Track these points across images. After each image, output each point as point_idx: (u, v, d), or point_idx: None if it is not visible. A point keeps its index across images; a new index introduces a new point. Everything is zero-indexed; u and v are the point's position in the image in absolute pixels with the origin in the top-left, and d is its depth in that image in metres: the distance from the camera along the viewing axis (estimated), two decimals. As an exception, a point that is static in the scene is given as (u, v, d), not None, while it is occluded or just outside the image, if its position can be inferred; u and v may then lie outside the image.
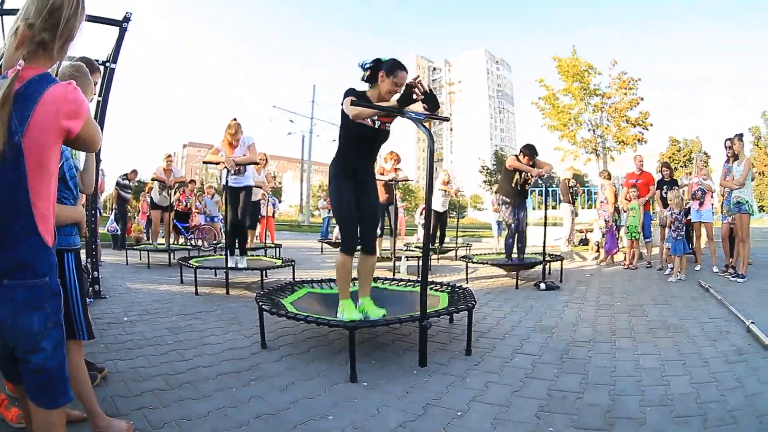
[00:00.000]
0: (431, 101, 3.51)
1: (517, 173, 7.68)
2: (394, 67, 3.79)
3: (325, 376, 3.26)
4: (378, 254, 9.00)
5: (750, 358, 3.79)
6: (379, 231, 8.92)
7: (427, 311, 3.43)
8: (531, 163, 7.50)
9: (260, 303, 3.93)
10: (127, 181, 12.54)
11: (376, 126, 3.85)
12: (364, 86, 3.94)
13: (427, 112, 3.50)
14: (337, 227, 10.91)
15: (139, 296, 6.04)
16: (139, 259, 9.84)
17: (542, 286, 6.93)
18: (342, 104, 3.67)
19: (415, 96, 3.41)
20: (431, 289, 4.82)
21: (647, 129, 29.20)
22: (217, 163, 6.71)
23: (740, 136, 8.12)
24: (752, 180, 8.33)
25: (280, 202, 24.27)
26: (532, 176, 7.53)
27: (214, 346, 3.94)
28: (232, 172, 6.67)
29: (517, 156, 7.84)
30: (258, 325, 3.99)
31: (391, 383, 3.14)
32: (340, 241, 4.04)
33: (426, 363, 3.42)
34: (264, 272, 6.73)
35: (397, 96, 3.63)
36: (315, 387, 3.07)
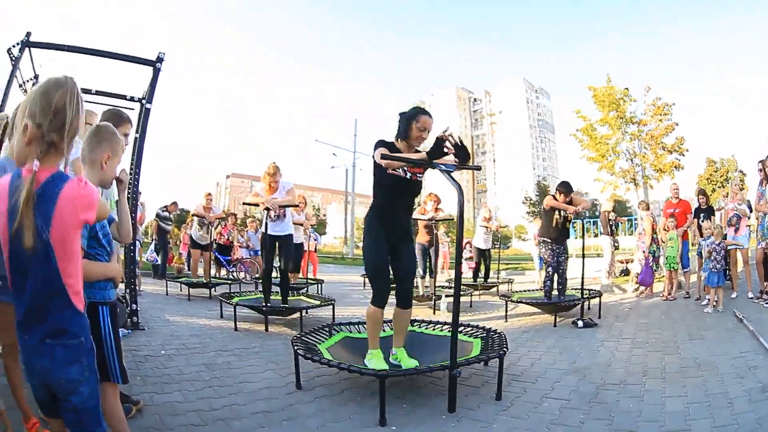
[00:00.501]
0: (461, 152, 3.52)
1: (556, 212, 7.63)
2: (417, 113, 3.94)
3: (355, 419, 3.33)
4: (421, 291, 9.16)
5: (773, 396, 3.80)
6: (421, 271, 9.10)
7: (458, 360, 3.46)
8: (568, 200, 7.50)
9: (296, 347, 3.99)
10: (167, 213, 12.85)
11: (408, 176, 3.95)
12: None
13: (457, 163, 3.55)
14: None
15: (178, 329, 6.21)
16: (180, 291, 10.03)
17: (580, 323, 6.89)
18: (373, 156, 3.81)
19: (446, 150, 3.48)
20: (465, 334, 4.90)
21: (683, 155, 28.84)
22: (257, 205, 6.96)
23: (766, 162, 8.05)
24: None
25: (323, 235, 24.53)
26: (570, 214, 7.54)
27: (250, 384, 4.02)
28: (273, 216, 6.84)
29: (554, 195, 7.86)
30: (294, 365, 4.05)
31: (419, 428, 3.20)
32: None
33: (455, 408, 3.43)
34: (303, 311, 6.71)
35: (427, 147, 3.70)
36: (344, 429, 3.16)
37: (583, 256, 7.50)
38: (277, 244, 7.08)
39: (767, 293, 7.87)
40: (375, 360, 3.93)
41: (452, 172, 3.50)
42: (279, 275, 7.37)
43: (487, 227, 11.68)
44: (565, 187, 7.63)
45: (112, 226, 2.44)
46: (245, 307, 6.96)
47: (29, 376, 1.79)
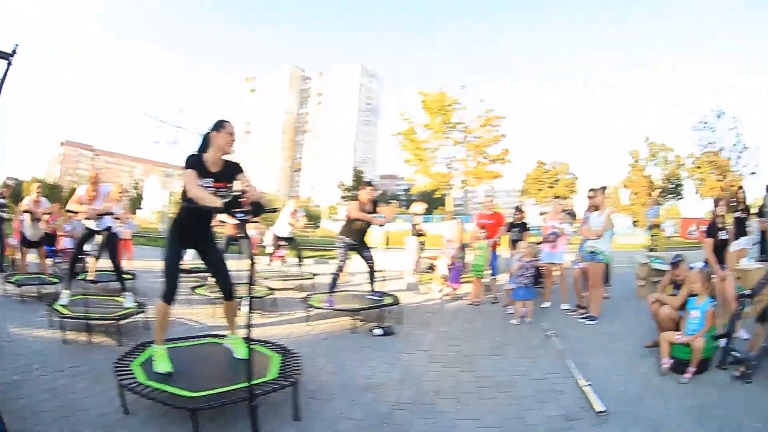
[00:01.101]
0: (256, 208, 3.89)
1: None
2: (221, 122, 4.44)
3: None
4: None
5: (578, 426, 3.96)
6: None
7: (256, 381, 3.82)
8: (372, 203, 7.91)
9: (115, 371, 4.26)
10: (2, 199, 11.74)
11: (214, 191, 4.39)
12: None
13: (249, 213, 3.88)
14: None
15: (19, 345, 5.97)
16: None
17: (377, 331, 6.92)
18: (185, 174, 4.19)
19: (243, 206, 3.81)
20: (265, 347, 5.10)
21: (505, 165, 31.31)
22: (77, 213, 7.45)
23: (603, 189, 8.50)
24: (612, 231, 8.82)
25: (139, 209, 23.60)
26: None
27: (84, 412, 4.04)
28: (95, 223, 7.51)
29: (358, 199, 7.98)
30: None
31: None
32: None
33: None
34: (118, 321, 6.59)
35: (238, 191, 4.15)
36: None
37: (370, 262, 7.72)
38: (96, 236, 7.77)
39: (583, 308, 8.34)
40: (159, 360, 4.35)
41: (246, 220, 3.91)
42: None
43: (292, 224, 12.01)
44: (369, 185, 8.12)
45: None
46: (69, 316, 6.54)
47: None
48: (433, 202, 48.18)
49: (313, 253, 20.20)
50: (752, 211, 8.90)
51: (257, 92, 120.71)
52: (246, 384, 3.52)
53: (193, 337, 5.62)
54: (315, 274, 12.08)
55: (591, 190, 8.65)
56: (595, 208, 8.27)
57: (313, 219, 62.98)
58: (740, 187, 9.45)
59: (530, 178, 65.71)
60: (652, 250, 19.59)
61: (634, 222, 45.33)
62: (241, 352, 4.68)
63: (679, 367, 5.35)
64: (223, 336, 5.32)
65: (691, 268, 6.45)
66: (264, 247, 14.95)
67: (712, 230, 7.25)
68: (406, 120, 31.36)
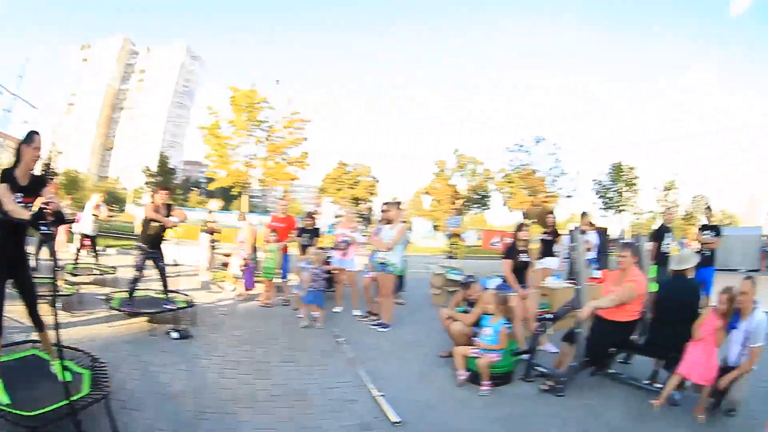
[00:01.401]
0: (59, 217, 3.96)
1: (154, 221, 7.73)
2: (30, 134, 4.25)
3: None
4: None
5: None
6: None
7: (69, 400, 3.63)
8: (167, 203, 7.75)
9: None
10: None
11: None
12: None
13: (53, 226, 3.97)
14: None
15: None
16: None
17: (174, 335, 6.70)
18: None
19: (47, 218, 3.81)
20: (75, 363, 4.75)
21: (303, 169, 31.71)
22: None
23: (398, 204, 8.73)
24: (406, 245, 9.07)
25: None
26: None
27: None
28: None
29: (154, 202, 7.81)
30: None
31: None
32: None
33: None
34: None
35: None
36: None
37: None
38: None
39: (375, 314, 8.46)
40: None
41: (48, 233, 3.91)
42: None
43: (96, 215, 11.52)
44: (165, 188, 7.94)
45: None
46: None
47: None
48: (232, 199, 47.01)
49: (116, 242, 19.55)
50: (560, 233, 9.69)
51: (89, 62, 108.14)
52: (66, 401, 3.57)
53: (14, 344, 5.12)
54: (114, 268, 11.41)
55: (385, 203, 8.88)
56: (387, 221, 8.41)
57: (119, 202, 60.34)
58: (550, 212, 10.37)
59: (329, 178, 66.80)
60: (450, 257, 20.82)
61: (435, 227, 48.34)
62: (64, 375, 4.07)
63: (476, 378, 5.51)
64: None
65: (486, 288, 6.77)
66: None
67: (512, 252, 7.35)
68: (214, 114, 30.33)
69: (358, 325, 8.25)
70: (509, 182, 56.35)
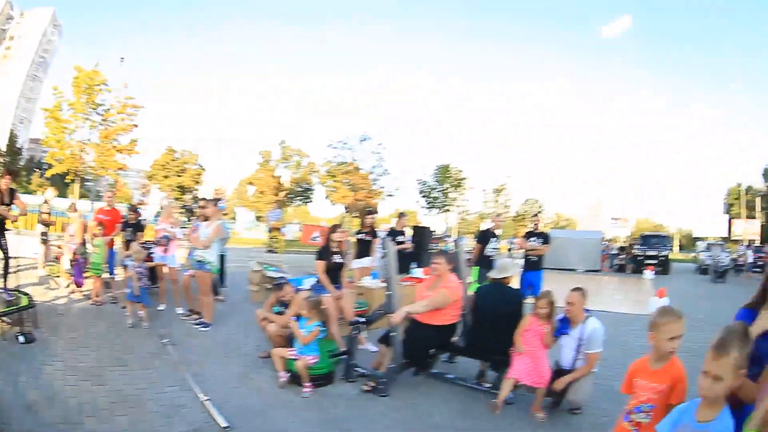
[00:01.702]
0: None
1: None
2: None
3: None
4: None
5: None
6: None
7: None
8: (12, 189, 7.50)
9: None
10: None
11: None
12: None
13: None
14: None
15: None
16: None
17: (21, 339, 6.45)
18: None
19: None
20: None
21: (131, 156, 30.16)
22: None
23: (215, 201, 8.82)
24: (224, 242, 9.35)
25: None
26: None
27: None
28: None
29: None
30: None
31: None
32: None
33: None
34: None
35: None
36: None
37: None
38: None
39: (197, 313, 8.48)
40: None
41: None
42: None
43: None
44: (9, 173, 7.71)
45: None
46: None
47: None
48: (68, 186, 42.97)
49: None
50: (377, 233, 10.21)
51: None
52: None
53: None
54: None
55: (203, 200, 9.11)
56: (205, 218, 8.51)
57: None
58: (370, 212, 10.96)
59: (157, 164, 63.44)
60: (270, 251, 21.10)
61: (258, 217, 47.68)
62: None
63: (297, 379, 5.64)
64: None
65: (300, 288, 7.15)
66: None
67: (325, 253, 7.40)
68: (59, 93, 27.82)
69: (182, 324, 8.29)
70: (332, 176, 57.37)
